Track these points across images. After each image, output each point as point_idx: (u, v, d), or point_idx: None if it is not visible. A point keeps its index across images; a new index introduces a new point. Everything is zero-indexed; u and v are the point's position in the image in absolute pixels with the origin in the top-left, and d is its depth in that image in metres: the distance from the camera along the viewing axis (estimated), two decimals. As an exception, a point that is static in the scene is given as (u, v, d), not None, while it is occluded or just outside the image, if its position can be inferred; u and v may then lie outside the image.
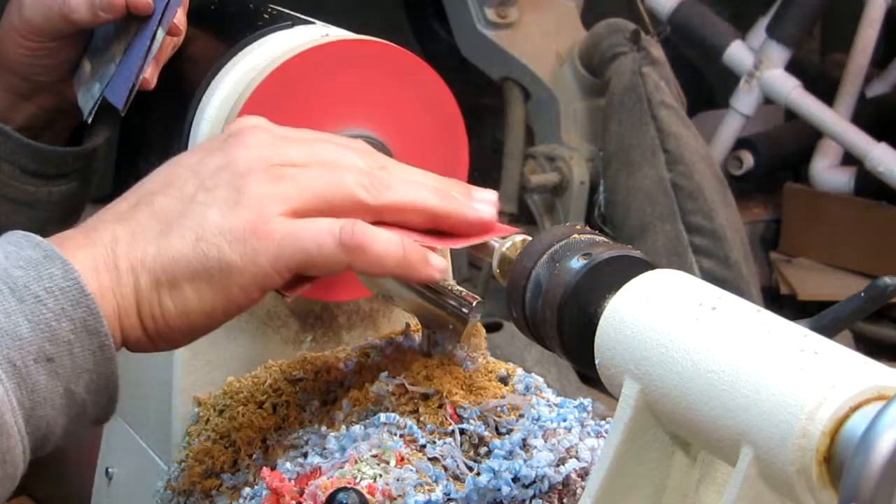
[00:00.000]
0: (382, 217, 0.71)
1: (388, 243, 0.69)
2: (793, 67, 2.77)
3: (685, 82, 2.48)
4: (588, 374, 0.65)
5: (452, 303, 0.76)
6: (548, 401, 0.78)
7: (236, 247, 0.67)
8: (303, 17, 0.93)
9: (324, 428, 0.79)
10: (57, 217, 1.00)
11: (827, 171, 2.90)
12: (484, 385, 0.77)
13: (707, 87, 3.12)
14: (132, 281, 0.67)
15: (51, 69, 0.95)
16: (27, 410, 0.62)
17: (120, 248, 0.67)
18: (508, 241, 0.73)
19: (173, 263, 0.67)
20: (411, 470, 0.71)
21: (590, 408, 0.78)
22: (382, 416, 0.75)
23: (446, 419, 0.74)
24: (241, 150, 0.71)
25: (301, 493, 0.70)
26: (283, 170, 0.70)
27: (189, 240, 0.67)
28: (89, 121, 0.94)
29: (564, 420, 0.76)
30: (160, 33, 0.90)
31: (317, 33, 0.89)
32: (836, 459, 0.50)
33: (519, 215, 2.50)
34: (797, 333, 0.55)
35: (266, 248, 0.67)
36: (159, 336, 0.69)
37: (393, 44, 0.88)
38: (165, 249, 0.67)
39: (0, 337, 0.61)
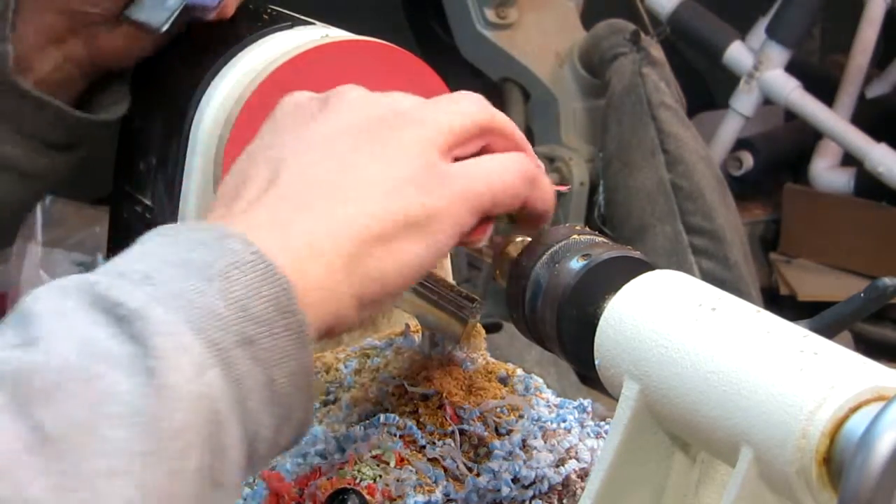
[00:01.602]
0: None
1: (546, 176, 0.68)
2: (793, 68, 2.77)
3: (685, 83, 2.47)
4: (588, 375, 0.65)
5: (452, 303, 0.76)
6: (547, 401, 0.78)
7: (425, 192, 0.62)
8: (303, 17, 0.93)
9: (323, 428, 0.79)
10: (51, 188, 0.97)
11: (827, 172, 2.90)
12: (484, 386, 0.77)
13: (707, 87, 3.12)
14: (325, 262, 0.59)
15: None
16: (239, 403, 0.52)
17: (295, 230, 0.59)
18: (508, 242, 0.73)
19: (368, 228, 0.60)
20: (411, 471, 0.71)
21: (589, 408, 0.78)
22: (382, 417, 0.75)
23: (446, 420, 0.74)
24: (352, 109, 0.65)
25: (301, 493, 0.70)
26: (405, 116, 0.65)
27: (376, 198, 0.61)
28: (163, 29, 0.89)
29: (564, 421, 0.76)
30: None
31: (316, 34, 0.89)
32: (835, 460, 0.51)
33: (519, 216, 2.50)
34: (797, 334, 0.55)
35: (452, 189, 0.63)
36: (373, 302, 0.61)
37: (393, 44, 0.88)
38: (354, 217, 0.60)
39: (199, 317, 0.52)
